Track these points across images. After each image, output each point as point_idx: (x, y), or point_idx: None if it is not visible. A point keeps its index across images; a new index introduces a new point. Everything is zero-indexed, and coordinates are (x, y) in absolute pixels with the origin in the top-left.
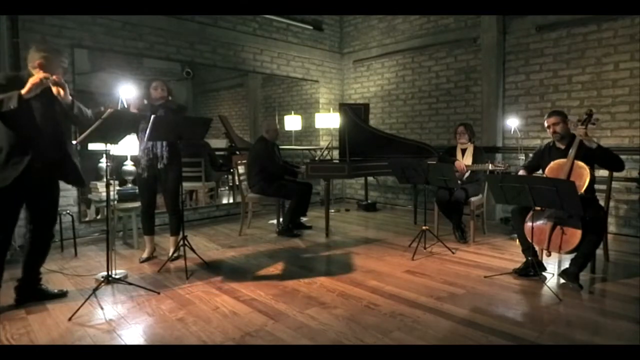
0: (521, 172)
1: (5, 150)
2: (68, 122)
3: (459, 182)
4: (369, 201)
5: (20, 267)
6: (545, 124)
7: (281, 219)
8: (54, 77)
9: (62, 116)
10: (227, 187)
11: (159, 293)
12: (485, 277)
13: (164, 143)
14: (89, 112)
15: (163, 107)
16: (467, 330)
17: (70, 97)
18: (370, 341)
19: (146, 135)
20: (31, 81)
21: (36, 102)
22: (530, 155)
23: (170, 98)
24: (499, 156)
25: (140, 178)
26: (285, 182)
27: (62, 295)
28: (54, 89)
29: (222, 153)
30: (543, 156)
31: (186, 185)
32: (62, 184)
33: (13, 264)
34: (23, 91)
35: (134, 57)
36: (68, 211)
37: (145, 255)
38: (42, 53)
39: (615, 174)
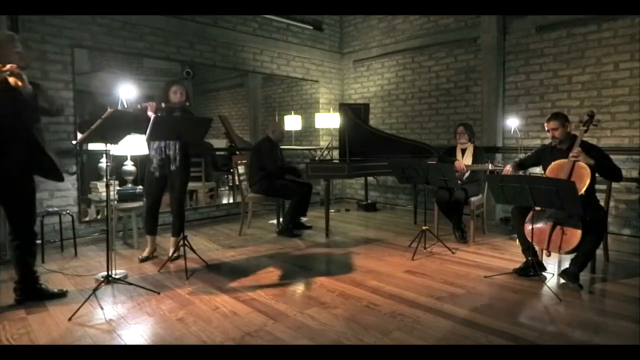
0: (508, 167)
1: None
2: (37, 115)
3: (458, 182)
4: (369, 201)
5: None
6: (545, 127)
7: (281, 219)
8: (8, 67)
9: (29, 110)
10: (227, 187)
11: (159, 293)
12: (485, 277)
13: (177, 145)
14: (56, 100)
15: (180, 111)
16: (467, 330)
17: (30, 87)
18: (370, 341)
19: (146, 134)
20: None
21: None
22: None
23: (188, 103)
24: (499, 156)
25: (152, 177)
26: (285, 182)
27: (62, 295)
28: (11, 80)
29: (222, 153)
30: (544, 155)
31: None
32: (53, 184)
33: (12, 264)
34: None
35: (134, 57)
36: (68, 211)
37: (145, 254)
38: None
39: None
